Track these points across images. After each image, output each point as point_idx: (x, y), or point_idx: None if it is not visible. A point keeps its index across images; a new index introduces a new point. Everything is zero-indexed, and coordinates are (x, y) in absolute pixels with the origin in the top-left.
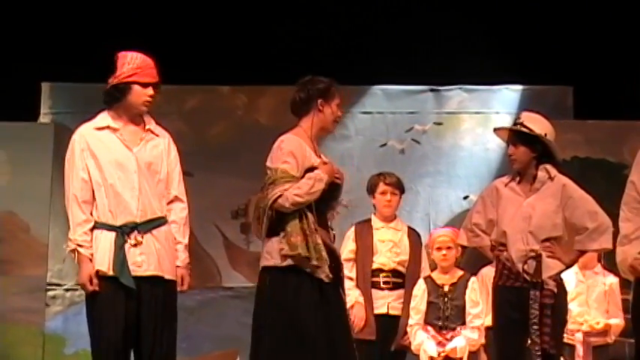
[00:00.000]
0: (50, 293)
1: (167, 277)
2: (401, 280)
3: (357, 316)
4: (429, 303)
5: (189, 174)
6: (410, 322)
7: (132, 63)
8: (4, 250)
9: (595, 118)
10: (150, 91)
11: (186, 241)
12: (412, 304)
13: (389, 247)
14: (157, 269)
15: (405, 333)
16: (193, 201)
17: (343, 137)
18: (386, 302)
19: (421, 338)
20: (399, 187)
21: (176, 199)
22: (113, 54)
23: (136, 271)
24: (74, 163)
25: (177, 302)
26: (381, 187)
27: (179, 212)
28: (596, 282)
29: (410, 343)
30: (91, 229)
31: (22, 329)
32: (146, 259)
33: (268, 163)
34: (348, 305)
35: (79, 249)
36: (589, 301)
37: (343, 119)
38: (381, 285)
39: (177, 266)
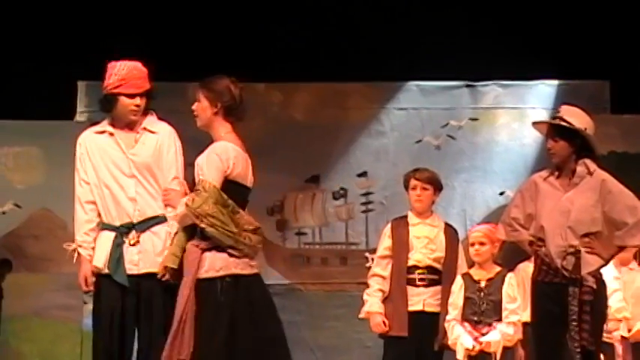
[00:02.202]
0: None
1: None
2: (437, 276)
3: (373, 326)
4: (465, 298)
5: None
6: (447, 317)
7: (118, 74)
8: (41, 247)
9: (632, 112)
10: (137, 100)
11: (172, 230)
12: (450, 299)
13: (424, 244)
14: (152, 266)
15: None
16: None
17: (379, 133)
18: (421, 299)
19: (458, 332)
20: (432, 182)
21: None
22: (149, 52)
23: (132, 269)
24: (76, 166)
25: (174, 295)
26: (412, 182)
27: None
28: (632, 278)
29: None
30: (95, 230)
31: (61, 326)
32: (143, 257)
33: None
34: (362, 313)
35: (79, 249)
36: (626, 298)
37: (379, 115)
38: (417, 282)
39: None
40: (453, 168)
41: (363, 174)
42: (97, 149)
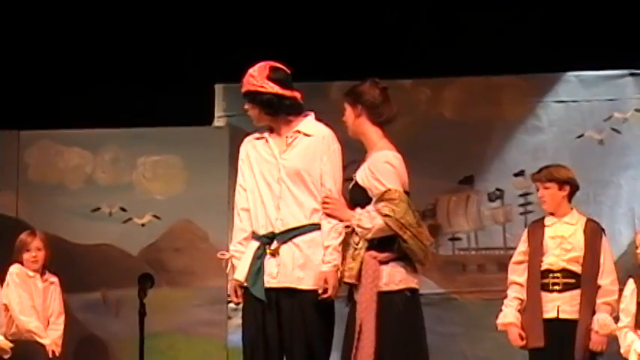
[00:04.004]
0: (232, 305)
1: (304, 287)
2: (573, 280)
3: (511, 339)
4: (638, 304)
5: None
6: (619, 324)
7: None
8: (183, 260)
9: None
10: (245, 105)
11: (335, 242)
12: (621, 305)
13: (557, 244)
14: (291, 281)
15: (588, 338)
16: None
17: (536, 129)
18: (555, 305)
19: (631, 339)
20: (552, 179)
21: None
22: (288, 50)
23: (270, 282)
24: (238, 171)
25: (326, 311)
26: (535, 183)
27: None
28: None
29: (601, 349)
30: (249, 239)
31: (206, 343)
32: (282, 270)
33: None
34: (500, 324)
35: (232, 259)
36: None
37: (535, 110)
38: (550, 287)
39: (322, 271)
40: (618, 164)
41: (520, 173)
42: (254, 154)
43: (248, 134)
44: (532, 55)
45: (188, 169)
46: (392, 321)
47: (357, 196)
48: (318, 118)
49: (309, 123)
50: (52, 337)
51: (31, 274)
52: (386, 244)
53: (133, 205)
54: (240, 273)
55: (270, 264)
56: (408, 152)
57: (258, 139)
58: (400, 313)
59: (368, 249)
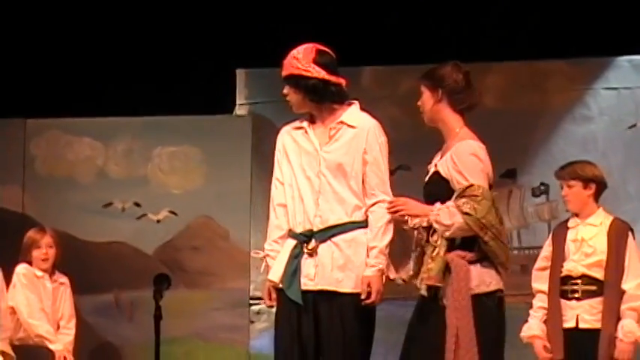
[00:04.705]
0: (254, 308)
1: (344, 290)
2: (594, 287)
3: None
4: None
5: (406, 167)
6: None
7: None
8: (202, 260)
9: None
10: (284, 89)
11: (381, 244)
12: None
13: (578, 248)
14: (329, 283)
15: (612, 348)
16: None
17: (585, 118)
18: (574, 314)
19: None
20: (576, 177)
21: (377, 203)
22: (315, 32)
23: (307, 284)
24: (274, 163)
25: (367, 317)
26: (558, 181)
27: (380, 215)
28: None
29: (627, 359)
30: (286, 237)
31: (227, 349)
32: (320, 271)
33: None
34: (525, 336)
35: (267, 258)
36: None
37: (584, 97)
38: (569, 295)
39: (365, 275)
40: None
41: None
42: (292, 146)
43: (272, 123)
44: (580, 38)
45: (207, 161)
46: (489, 325)
47: (437, 189)
48: (362, 108)
49: (353, 113)
50: (63, 342)
51: (40, 273)
52: (470, 241)
53: (147, 200)
54: (275, 274)
55: (307, 264)
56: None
57: (297, 128)
58: (495, 316)
59: (450, 248)
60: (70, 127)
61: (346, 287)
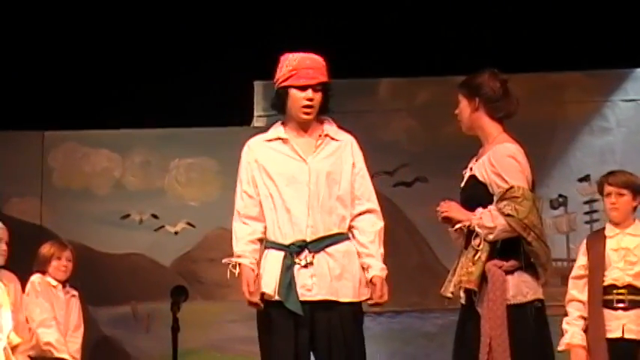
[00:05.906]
0: None
1: (343, 299)
2: None
3: None
4: None
5: (423, 179)
6: None
7: (289, 65)
8: (217, 272)
9: None
10: (309, 93)
11: (381, 247)
12: None
13: (622, 257)
14: (329, 293)
15: None
16: (429, 210)
17: (602, 130)
18: (620, 324)
19: None
20: (628, 186)
21: (368, 211)
22: (332, 44)
23: (305, 295)
24: (239, 176)
25: (361, 326)
26: (606, 188)
27: (373, 221)
28: None
29: None
30: (257, 243)
31: None
32: (317, 281)
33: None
34: (562, 345)
35: (240, 259)
36: None
37: (602, 109)
38: (614, 304)
39: (376, 275)
40: None
41: (586, 178)
42: (269, 157)
43: None
44: (597, 50)
45: (224, 173)
46: (525, 336)
47: (475, 193)
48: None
49: (333, 127)
50: (70, 349)
51: (54, 283)
52: (509, 250)
53: (165, 212)
54: (268, 286)
55: (302, 275)
56: (463, 155)
57: (270, 140)
58: (531, 327)
59: (490, 257)
60: (87, 139)
61: (345, 296)
